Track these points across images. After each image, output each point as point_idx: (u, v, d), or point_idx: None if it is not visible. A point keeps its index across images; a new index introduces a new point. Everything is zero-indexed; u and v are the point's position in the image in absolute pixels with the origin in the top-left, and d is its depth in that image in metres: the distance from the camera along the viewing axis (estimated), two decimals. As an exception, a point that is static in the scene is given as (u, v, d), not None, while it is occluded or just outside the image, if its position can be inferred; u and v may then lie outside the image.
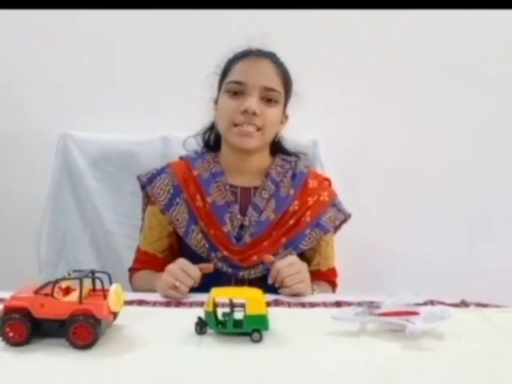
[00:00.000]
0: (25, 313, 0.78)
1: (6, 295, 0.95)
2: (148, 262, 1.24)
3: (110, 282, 0.83)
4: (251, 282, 1.15)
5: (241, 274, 1.15)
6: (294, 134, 1.35)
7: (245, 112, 1.12)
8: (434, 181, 1.78)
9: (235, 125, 1.14)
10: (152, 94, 1.65)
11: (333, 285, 1.28)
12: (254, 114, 1.12)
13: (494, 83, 1.73)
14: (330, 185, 1.29)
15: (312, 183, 1.24)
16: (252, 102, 1.12)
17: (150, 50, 1.65)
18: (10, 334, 0.77)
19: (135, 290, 1.21)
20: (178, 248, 1.25)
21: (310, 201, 1.21)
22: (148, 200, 1.26)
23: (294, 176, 1.23)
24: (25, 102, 1.70)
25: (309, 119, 1.47)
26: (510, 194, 1.80)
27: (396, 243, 1.77)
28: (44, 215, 1.51)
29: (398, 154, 1.76)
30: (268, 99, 1.15)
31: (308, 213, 1.20)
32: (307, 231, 1.19)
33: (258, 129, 1.15)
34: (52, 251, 1.50)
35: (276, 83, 1.16)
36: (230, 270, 1.15)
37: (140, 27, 1.64)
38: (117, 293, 0.81)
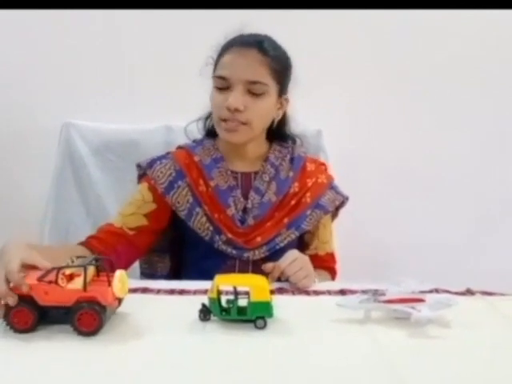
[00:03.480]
0: (30, 300, 0.78)
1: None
2: (107, 233, 1.14)
3: (114, 269, 0.83)
4: (255, 264, 1.16)
5: (245, 255, 1.16)
6: (298, 124, 1.35)
7: (228, 109, 1.11)
8: (438, 173, 1.78)
9: (222, 119, 1.14)
10: (155, 83, 1.65)
11: (331, 271, 1.28)
12: (237, 110, 1.11)
13: (495, 82, 1.72)
14: (326, 169, 1.31)
15: (310, 166, 1.26)
16: (234, 99, 1.10)
17: (152, 39, 1.65)
18: (16, 321, 0.77)
19: None
20: (155, 234, 1.21)
21: (309, 182, 1.23)
22: (139, 180, 1.24)
23: (292, 160, 1.24)
24: (27, 92, 1.69)
25: (313, 109, 1.46)
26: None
27: (399, 235, 1.77)
28: (47, 205, 1.51)
29: (402, 145, 1.75)
30: (254, 91, 1.12)
31: (308, 194, 1.22)
32: (308, 212, 1.21)
33: (243, 123, 1.13)
34: (55, 240, 1.49)
35: (262, 75, 1.12)
36: (234, 252, 1.15)
37: (141, 18, 1.63)
38: (121, 279, 0.81)
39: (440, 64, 1.71)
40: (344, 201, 1.28)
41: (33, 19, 1.63)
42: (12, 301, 0.77)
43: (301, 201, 1.21)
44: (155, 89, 1.65)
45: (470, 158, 1.77)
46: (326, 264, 1.26)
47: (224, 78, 1.12)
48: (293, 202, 1.20)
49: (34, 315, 0.78)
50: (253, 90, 1.12)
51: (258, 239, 1.16)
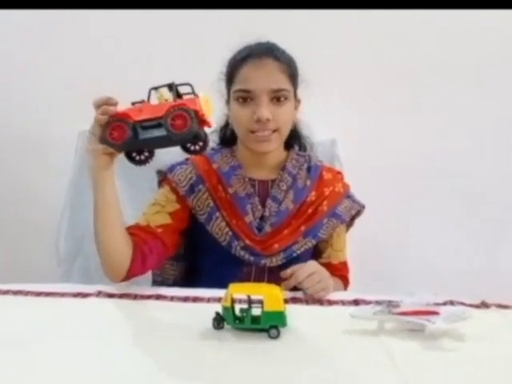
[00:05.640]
0: (126, 118, 0.90)
1: (27, 287, 0.96)
2: (136, 229, 1.12)
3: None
4: (270, 272, 1.16)
5: (262, 261, 1.16)
6: (312, 133, 1.35)
7: (258, 121, 1.12)
8: (455, 181, 1.77)
9: (252, 131, 1.15)
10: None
11: (344, 280, 1.27)
12: (268, 120, 1.12)
13: (499, 82, 1.72)
14: (342, 178, 1.31)
15: (327, 175, 1.27)
16: (263, 110, 1.11)
17: (169, 47, 1.67)
18: (114, 135, 0.90)
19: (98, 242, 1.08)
20: (180, 235, 1.22)
21: (326, 191, 1.23)
22: (159, 184, 1.27)
23: (309, 169, 1.25)
24: (45, 100, 1.72)
25: (327, 118, 1.46)
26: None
27: (415, 245, 1.77)
28: (63, 211, 1.52)
29: (417, 153, 1.75)
30: (277, 99, 1.14)
31: (325, 202, 1.22)
32: (325, 220, 1.21)
33: (274, 130, 1.15)
34: (71, 246, 1.50)
35: (283, 81, 1.15)
36: (252, 258, 1.16)
37: (159, 27, 1.66)
38: (206, 98, 0.90)
39: (454, 68, 1.71)
40: (360, 210, 1.28)
41: (48, 25, 1.66)
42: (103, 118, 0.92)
43: (318, 209, 1.21)
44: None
45: (491, 159, 1.78)
46: (339, 272, 1.26)
47: (247, 90, 1.13)
48: (310, 211, 1.21)
49: (129, 128, 0.89)
50: (277, 97, 1.14)
51: (276, 246, 1.16)
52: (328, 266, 1.19)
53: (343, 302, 0.98)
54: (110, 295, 0.98)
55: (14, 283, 1.01)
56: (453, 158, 1.76)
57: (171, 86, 0.91)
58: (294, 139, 1.29)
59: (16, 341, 0.77)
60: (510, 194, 1.79)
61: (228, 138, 1.29)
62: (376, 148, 1.74)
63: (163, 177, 1.26)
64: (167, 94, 0.91)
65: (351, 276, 1.29)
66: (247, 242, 1.16)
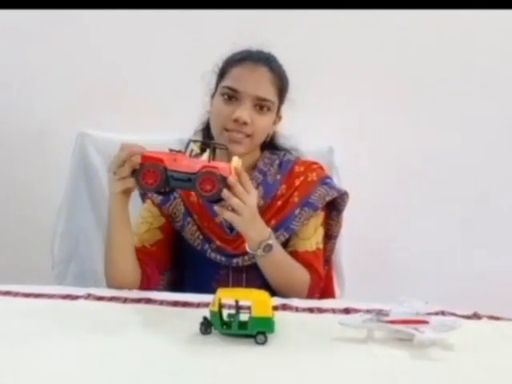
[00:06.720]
0: (158, 164, 0.94)
1: (16, 289, 0.96)
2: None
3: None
4: (248, 272, 1.17)
5: (235, 261, 1.16)
6: (309, 141, 1.36)
7: (236, 120, 1.14)
8: (455, 189, 1.77)
9: (226, 130, 1.16)
10: (170, 95, 1.67)
11: (311, 269, 1.18)
12: (245, 123, 1.14)
13: (498, 82, 1.73)
14: (320, 167, 1.29)
15: (298, 168, 1.26)
16: (244, 112, 1.14)
17: (169, 51, 1.68)
18: (146, 179, 0.94)
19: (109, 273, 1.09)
20: (172, 245, 1.24)
21: (297, 182, 1.23)
22: (143, 199, 1.28)
23: (280, 164, 1.26)
24: (43, 102, 1.73)
25: (325, 126, 1.47)
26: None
27: (415, 247, 1.76)
28: (59, 213, 1.52)
29: (415, 159, 1.75)
30: (260, 107, 1.17)
31: (296, 193, 1.21)
32: (297, 211, 1.19)
33: (248, 135, 1.17)
34: (65, 249, 1.51)
35: (270, 93, 1.17)
36: (223, 259, 1.17)
37: (155, 26, 1.67)
38: (237, 163, 0.97)
39: (456, 76, 1.71)
40: (344, 196, 1.23)
41: (48, 25, 1.67)
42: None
43: (288, 201, 1.20)
44: (171, 101, 1.67)
45: (492, 162, 1.77)
46: (305, 261, 1.18)
47: (235, 90, 1.15)
48: (279, 203, 1.20)
49: (162, 174, 0.93)
50: (260, 105, 1.16)
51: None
52: (293, 255, 1.17)
53: (334, 311, 0.97)
54: (100, 298, 0.97)
55: (7, 284, 1.01)
56: (452, 160, 1.75)
57: (209, 145, 0.96)
58: (271, 147, 1.30)
59: (3, 340, 0.76)
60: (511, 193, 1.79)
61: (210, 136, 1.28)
62: (374, 155, 1.73)
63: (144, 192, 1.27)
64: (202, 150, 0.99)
65: (344, 279, 1.29)
66: (218, 243, 1.16)
